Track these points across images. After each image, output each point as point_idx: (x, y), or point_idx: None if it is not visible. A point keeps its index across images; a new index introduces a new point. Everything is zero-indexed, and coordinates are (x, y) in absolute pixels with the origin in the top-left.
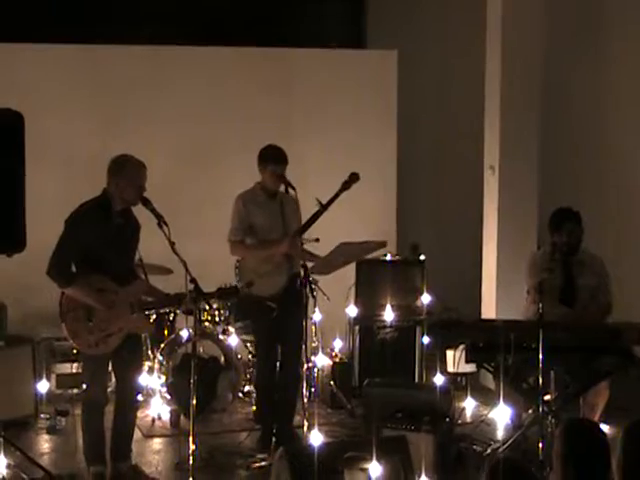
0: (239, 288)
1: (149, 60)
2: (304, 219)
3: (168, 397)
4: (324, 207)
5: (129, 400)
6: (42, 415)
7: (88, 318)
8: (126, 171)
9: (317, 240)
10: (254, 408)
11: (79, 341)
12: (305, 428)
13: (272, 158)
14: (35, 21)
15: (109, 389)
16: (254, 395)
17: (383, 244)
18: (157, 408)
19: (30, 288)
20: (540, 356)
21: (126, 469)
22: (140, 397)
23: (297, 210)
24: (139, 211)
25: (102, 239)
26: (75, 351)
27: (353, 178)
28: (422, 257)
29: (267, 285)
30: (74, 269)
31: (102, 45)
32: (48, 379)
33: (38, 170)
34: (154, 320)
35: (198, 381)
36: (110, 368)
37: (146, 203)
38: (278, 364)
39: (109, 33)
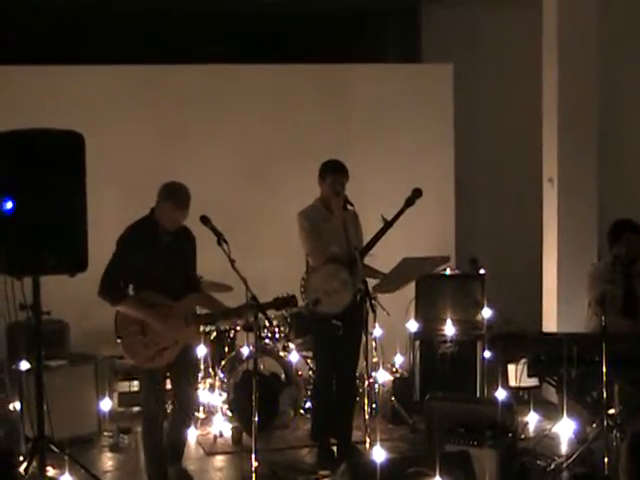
0: (306, 305)
1: (207, 78)
2: (364, 234)
3: (229, 414)
4: (389, 224)
5: (186, 412)
6: (105, 433)
7: (142, 333)
8: (169, 202)
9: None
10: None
11: (136, 356)
12: (367, 444)
13: (331, 168)
14: (94, 42)
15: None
16: None
17: (446, 259)
18: (219, 425)
19: (92, 307)
20: (603, 369)
21: (175, 472)
22: (201, 414)
23: (358, 225)
24: (199, 229)
25: (150, 257)
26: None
27: (416, 194)
28: (482, 271)
29: (333, 303)
30: (131, 289)
31: (160, 65)
32: (110, 397)
33: (99, 190)
34: (214, 338)
35: (259, 398)
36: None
37: (206, 222)
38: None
39: (167, 52)
